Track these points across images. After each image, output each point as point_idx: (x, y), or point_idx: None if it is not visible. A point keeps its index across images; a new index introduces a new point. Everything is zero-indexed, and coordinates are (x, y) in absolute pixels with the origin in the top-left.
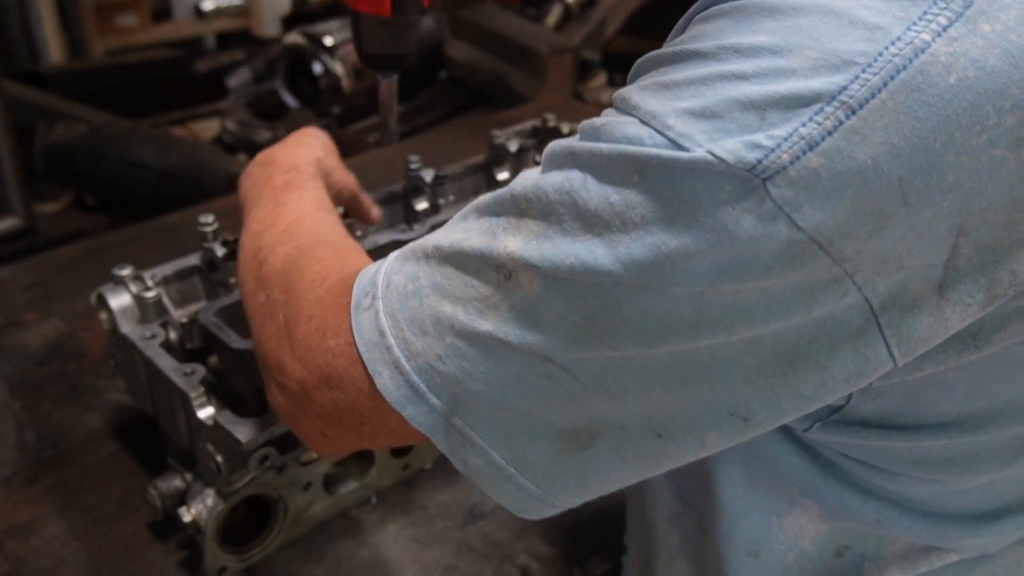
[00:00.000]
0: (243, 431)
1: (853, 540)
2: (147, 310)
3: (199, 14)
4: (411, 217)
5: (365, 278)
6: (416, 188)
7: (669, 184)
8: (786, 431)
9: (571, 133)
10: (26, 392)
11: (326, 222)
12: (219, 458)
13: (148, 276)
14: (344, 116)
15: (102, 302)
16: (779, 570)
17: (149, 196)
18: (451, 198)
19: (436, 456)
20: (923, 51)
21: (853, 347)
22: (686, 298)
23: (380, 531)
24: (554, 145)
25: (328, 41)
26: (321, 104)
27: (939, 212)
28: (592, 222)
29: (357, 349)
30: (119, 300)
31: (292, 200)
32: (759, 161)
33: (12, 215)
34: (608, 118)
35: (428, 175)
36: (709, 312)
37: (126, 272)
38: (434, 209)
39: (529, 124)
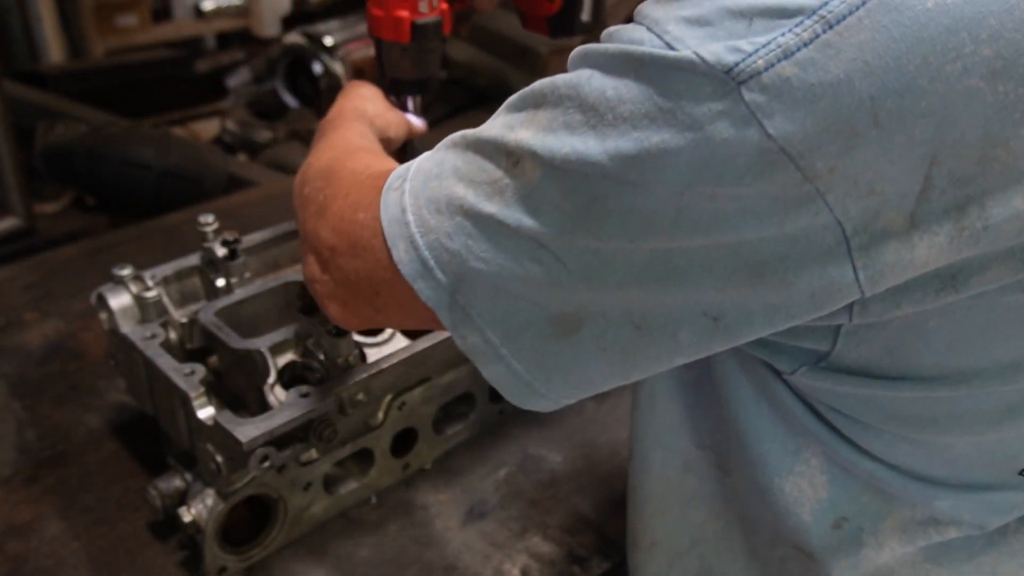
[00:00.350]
0: (243, 431)
1: (851, 510)
2: (147, 310)
3: (199, 14)
4: None
5: (403, 166)
6: None
7: (658, 80)
8: (782, 376)
9: None
10: (26, 392)
11: (364, 137)
12: (219, 458)
13: (148, 276)
14: None
15: (102, 302)
16: (783, 523)
17: (149, 196)
18: None
19: (436, 456)
20: None
21: (821, 267)
22: (667, 198)
23: (380, 531)
24: (578, 48)
25: (328, 41)
26: (321, 104)
27: (911, 137)
28: (589, 115)
29: (381, 223)
30: (119, 300)
31: (335, 135)
32: (736, 64)
33: (12, 215)
34: (622, 25)
35: None
36: (688, 215)
37: (126, 272)
38: None
39: None
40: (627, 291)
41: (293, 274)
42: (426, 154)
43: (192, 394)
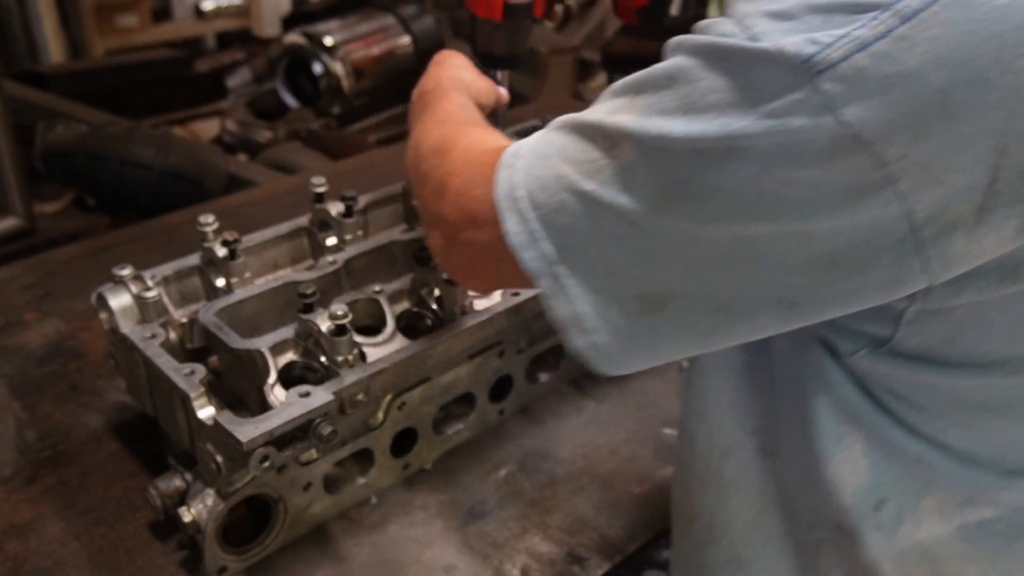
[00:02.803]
0: (243, 431)
1: (892, 492)
2: (147, 310)
3: (199, 14)
4: (411, 217)
5: (514, 145)
6: None
7: (742, 71)
8: (841, 358)
9: None
10: (26, 392)
11: (466, 109)
12: (219, 458)
13: (148, 276)
14: (344, 116)
15: (102, 302)
16: (825, 505)
17: (149, 196)
18: None
19: (436, 456)
20: None
21: (891, 257)
22: (745, 182)
23: (380, 531)
24: (678, 37)
25: (328, 41)
26: (321, 104)
27: (980, 128)
28: (681, 101)
29: (495, 199)
30: (119, 300)
31: (439, 107)
32: (813, 55)
33: (12, 215)
34: (716, 19)
35: None
36: (765, 199)
37: (126, 272)
38: None
39: (529, 124)
40: (710, 273)
41: (293, 274)
42: (538, 134)
43: (192, 394)
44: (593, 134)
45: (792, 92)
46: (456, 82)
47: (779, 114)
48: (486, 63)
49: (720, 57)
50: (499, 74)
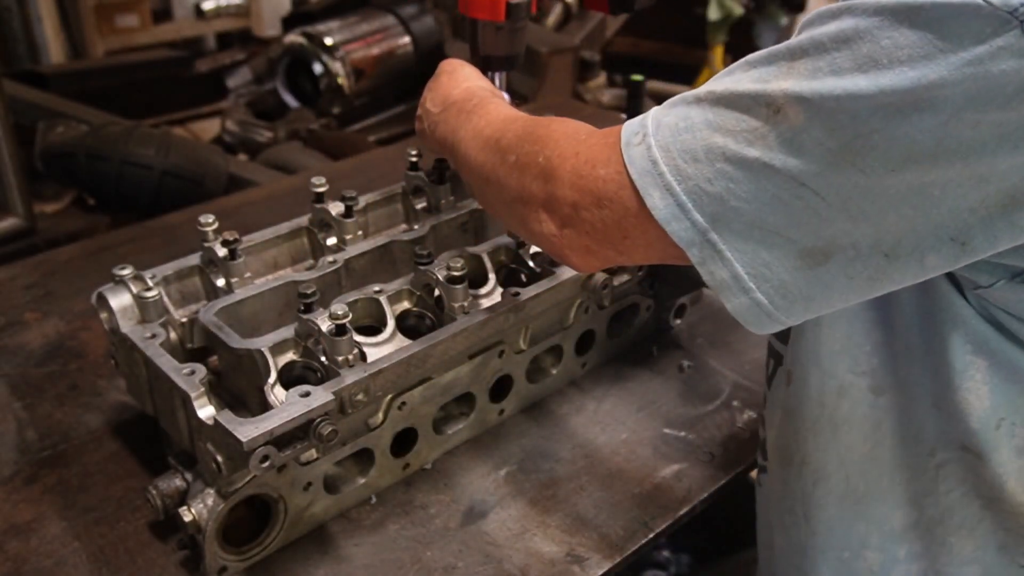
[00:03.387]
0: (243, 431)
1: (1008, 411)
2: (147, 310)
3: (199, 14)
4: (411, 217)
5: (632, 124)
6: (416, 188)
7: (938, 25)
8: (966, 293)
9: None
10: (26, 392)
11: (527, 114)
12: (219, 458)
13: (148, 276)
14: (344, 116)
15: (102, 302)
16: (953, 429)
17: (149, 196)
18: (451, 198)
19: (436, 456)
20: None
21: None
22: (931, 128)
23: (380, 531)
24: (823, 8)
25: (328, 41)
26: (321, 104)
27: None
28: (861, 61)
29: (629, 176)
30: (119, 300)
31: (491, 109)
32: (1021, 4)
33: (13, 215)
34: None
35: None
36: (948, 143)
37: (126, 272)
38: (435, 209)
39: None
40: (882, 220)
41: (293, 274)
42: (656, 112)
43: (192, 394)
44: (746, 104)
45: (996, 38)
46: (486, 90)
47: (980, 61)
48: (488, 66)
49: (909, 15)
50: (497, 76)
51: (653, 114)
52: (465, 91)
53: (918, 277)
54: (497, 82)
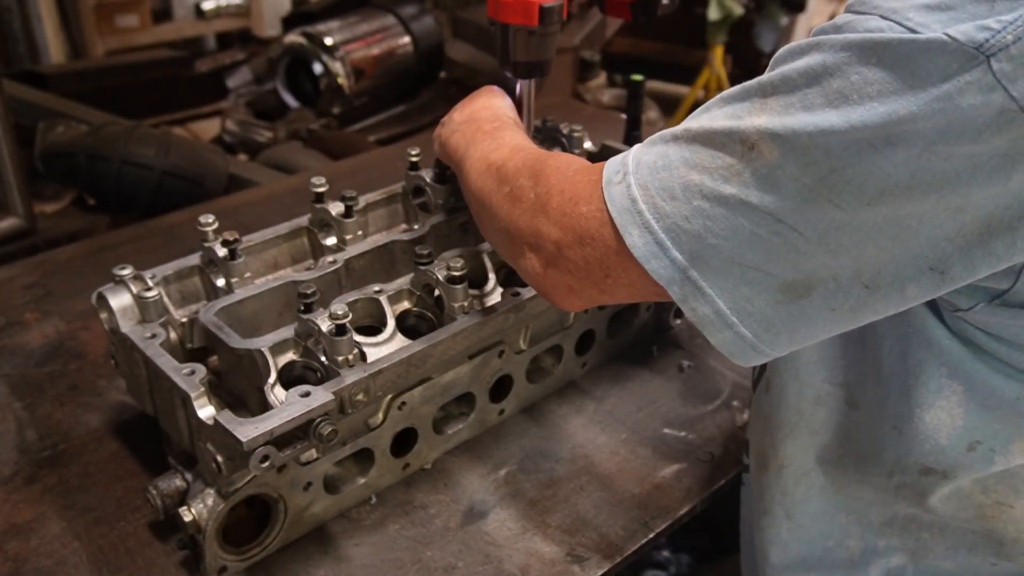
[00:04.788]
0: (243, 431)
1: (985, 435)
2: (147, 310)
3: (199, 14)
4: (411, 217)
5: (614, 162)
6: (416, 188)
7: (905, 62)
8: (943, 315)
9: (570, 133)
10: (26, 392)
11: (530, 142)
12: (219, 458)
13: (148, 276)
14: (344, 116)
15: (103, 302)
16: (915, 452)
17: (149, 196)
18: (451, 198)
19: (436, 456)
20: None
21: None
22: (904, 162)
23: (380, 531)
24: (793, 44)
25: (328, 41)
26: (321, 104)
27: None
28: (831, 96)
29: (609, 214)
30: (119, 300)
31: (507, 136)
32: (986, 40)
33: (13, 215)
34: (849, 17)
35: (427, 173)
36: (922, 176)
37: (126, 272)
38: (435, 208)
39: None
40: (861, 253)
41: (293, 274)
42: (637, 150)
43: (192, 394)
44: (721, 140)
45: (963, 74)
46: (511, 120)
47: (949, 97)
48: (521, 73)
49: (875, 52)
50: (519, 85)
51: (634, 152)
52: (493, 114)
53: (900, 306)
54: (528, 88)
